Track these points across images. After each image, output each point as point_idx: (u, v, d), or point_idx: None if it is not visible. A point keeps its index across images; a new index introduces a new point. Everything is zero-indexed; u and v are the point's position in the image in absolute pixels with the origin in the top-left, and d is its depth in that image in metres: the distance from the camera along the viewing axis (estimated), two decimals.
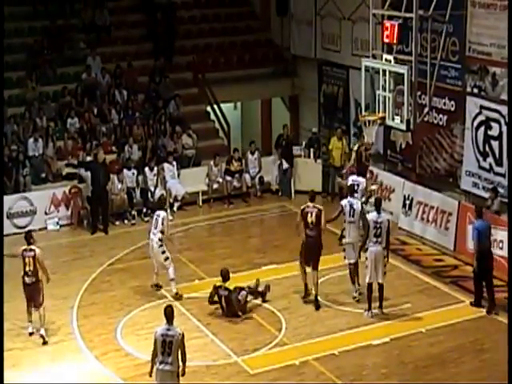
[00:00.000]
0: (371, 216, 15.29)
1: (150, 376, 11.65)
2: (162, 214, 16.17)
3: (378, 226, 15.07)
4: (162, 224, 15.98)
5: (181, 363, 11.45)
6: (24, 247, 14.81)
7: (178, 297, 16.04)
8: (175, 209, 21.20)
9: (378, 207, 15.41)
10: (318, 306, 15.79)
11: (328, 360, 13.83)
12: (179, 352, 11.39)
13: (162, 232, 16.03)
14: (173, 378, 11.43)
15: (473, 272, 15.81)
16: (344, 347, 14.24)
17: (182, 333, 11.44)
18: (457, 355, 14.01)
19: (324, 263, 16.94)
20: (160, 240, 16.00)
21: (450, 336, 14.64)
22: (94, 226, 20.05)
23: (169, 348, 11.29)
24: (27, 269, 14.65)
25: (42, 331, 14.71)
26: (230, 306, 15.32)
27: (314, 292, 15.79)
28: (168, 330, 11.39)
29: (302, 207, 15.90)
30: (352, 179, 17.93)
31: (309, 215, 15.72)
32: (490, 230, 15.81)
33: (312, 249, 15.76)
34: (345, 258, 16.06)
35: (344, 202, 16.15)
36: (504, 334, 14.05)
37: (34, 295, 14.68)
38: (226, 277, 15.46)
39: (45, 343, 14.60)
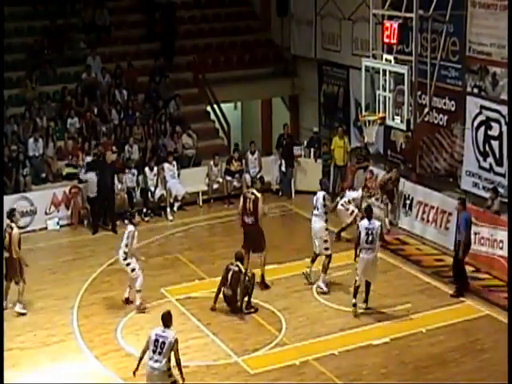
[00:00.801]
0: (362, 223, 15.32)
1: (134, 375, 11.81)
2: (129, 228, 15.80)
3: (370, 232, 15.06)
4: (127, 238, 15.60)
5: (177, 370, 11.60)
6: (7, 222, 15.65)
7: (141, 309, 15.69)
8: (175, 209, 21.20)
9: (368, 214, 15.37)
10: (266, 286, 16.46)
11: (328, 360, 13.84)
12: (172, 356, 11.51)
13: (127, 246, 15.66)
14: (160, 377, 11.50)
15: (458, 261, 16.15)
16: (344, 347, 14.25)
17: (177, 338, 11.58)
18: (457, 355, 14.02)
19: None
20: (125, 253, 15.64)
21: (450, 336, 14.64)
22: (94, 225, 20.04)
23: (160, 348, 11.47)
24: (4, 244, 15.41)
25: (17, 307, 15.26)
26: (235, 284, 15.28)
27: (260, 272, 16.37)
28: (163, 331, 11.59)
29: (244, 192, 16.75)
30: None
31: (247, 201, 16.27)
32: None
33: (250, 235, 16.40)
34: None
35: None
36: (504, 333, 14.06)
37: (8, 270, 15.47)
38: (240, 258, 15.56)
39: (23, 315, 15.32)
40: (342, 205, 18.89)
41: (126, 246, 15.66)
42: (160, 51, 24.99)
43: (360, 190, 19.29)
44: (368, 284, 15.46)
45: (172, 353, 11.51)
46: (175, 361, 11.58)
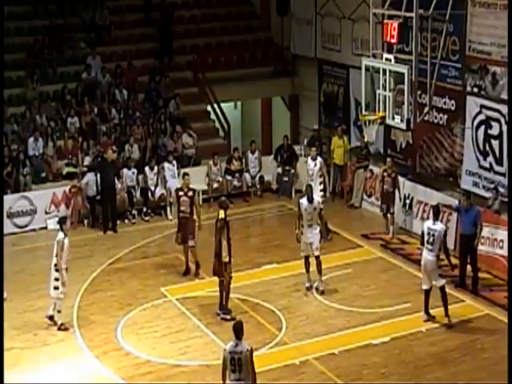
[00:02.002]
0: (426, 223, 15.10)
1: None
2: (58, 236, 14.97)
3: (432, 233, 14.72)
4: (56, 248, 14.80)
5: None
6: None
7: (62, 328, 14.98)
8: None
9: (435, 215, 15.05)
10: (197, 274, 17.11)
11: (328, 359, 13.83)
12: (249, 369, 10.91)
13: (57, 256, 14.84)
14: None
15: (465, 253, 16.38)
16: (344, 346, 14.24)
17: (251, 348, 10.94)
18: (457, 354, 14.01)
19: (323, 263, 16.98)
20: (55, 265, 14.86)
21: (450, 335, 14.64)
22: (105, 224, 20.15)
23: (238, 365, 10.84)
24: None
25: None
26: (218, 232, 15.30)
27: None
28: (235, 346, 10.90)
29: (179, 187, 17.45)
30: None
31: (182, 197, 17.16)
32: None
33: (183, 227, 17.13)
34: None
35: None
36: (504, 333, 14.07)
37: None
38: (223, 207, 15.40)
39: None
40: None
41: (56, 256, 14.81)
42: (158, 51, 24.96)
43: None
44: (441, 289, 14.91)
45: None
46: (250, 372, 10.93)
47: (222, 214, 15.28)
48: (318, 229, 16.22)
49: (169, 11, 25.48)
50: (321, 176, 19.46)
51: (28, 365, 13.94)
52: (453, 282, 16.54)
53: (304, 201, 16.12)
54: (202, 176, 21.93)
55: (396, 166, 20.07)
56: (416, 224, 19.29)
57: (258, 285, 16.76)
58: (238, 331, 10.95)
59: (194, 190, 17.41)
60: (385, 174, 19.21)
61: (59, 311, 15.10)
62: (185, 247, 17.25)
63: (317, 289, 16.32)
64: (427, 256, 14.82)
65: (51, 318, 15.16)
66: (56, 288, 14.89)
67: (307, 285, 16.44)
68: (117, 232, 19.80)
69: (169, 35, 25.12)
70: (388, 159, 19.57)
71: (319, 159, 19.55)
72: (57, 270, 14.83)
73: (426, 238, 14.83)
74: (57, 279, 14.85)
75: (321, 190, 19.20)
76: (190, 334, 14.82)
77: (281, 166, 22.43)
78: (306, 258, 16.30)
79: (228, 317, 15.16)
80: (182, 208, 17.25)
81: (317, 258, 16.20)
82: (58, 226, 19.96)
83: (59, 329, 15.05)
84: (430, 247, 14.78)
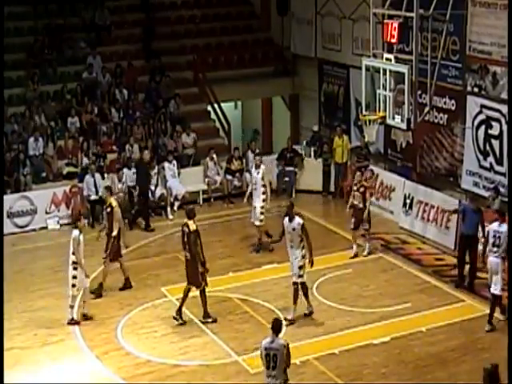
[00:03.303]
0: (492, 225, 14.93)
1: None
2: (73, 233, 15.15)
3: (498, 235, 14.55)
4: (73, 245, 14.97)
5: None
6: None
7: (73, 323, 15.15)
8: (175, 208, 21.19)
9: (502, 216, 14.82)
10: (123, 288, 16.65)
11: (328, 359, 13.83)
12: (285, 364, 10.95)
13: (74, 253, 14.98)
14: None
15: (464, 253, 16.41)
16: (344, 346, 14.24)
17: (287, 343, 10.99)
18: (457, 354, 14.01)
19: (323, 263, 17.01)
20: (74, 263, 14.97)
21: (450, 335, 14.63)
22: (134, 220, 20.42)
23: (273, 361, 10.88)
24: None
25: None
26: (192, 245, 14.84)
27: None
28: (271, 342, 10.94)
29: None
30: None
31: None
32: None
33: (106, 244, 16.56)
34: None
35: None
36: (504, 333, 14.05)
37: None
38: (190, 216, 15.03)
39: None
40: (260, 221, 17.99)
41: (73, 253, 14.97)
42: (142, 51, 24.92)
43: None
44: (493, 295, 14.65)
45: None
46: (285, 367, 10.96)
47: (192, 226, 14.86)
48: (300, 252, 14.84)
49: (153, 12, 25.56)
50: (263, 185, 18.30)
51: (28, 365, 13.94)
52: (452, 281, 16.57)
53: (286, 220, 15.01)
54: (201, 176, 21.94)
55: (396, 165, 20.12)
56: (416, 224, 19.30)
57: (257, 285, 16.76)
58: (276, 327, 11.06)
59: (111, 206, 16.20)
60: (354, 187, 18.20)
61: (72, 306, 15.17)
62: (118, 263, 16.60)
63: (285, 318, 14.90)
64: (493, 259, 14.66)
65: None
66: (73, 285, 15.01)
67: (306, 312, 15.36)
68: (153, 230, 20.08)
69: (152, 36, 25.00)
70: (358, 173, 18.47)
71: (262, 167, 18.39)
72: (75, 268, 14.93)
73: (491, 240, 14.69)
74: (74, 277, 14.95)
75: (263, 200, 18.24)
76: (189, 334, 14.81)
77: (282, 166, 22.39)
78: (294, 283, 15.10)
79: (210, 319, 15.11)
80: (105, 223, 16.69)
81: (293, 284, 14.98)
82: (58, 226, 20.25)
83: (69, 323, 15.13)
84: (495, 249, 14.62)
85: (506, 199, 17.44)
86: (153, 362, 13.93)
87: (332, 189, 22.22)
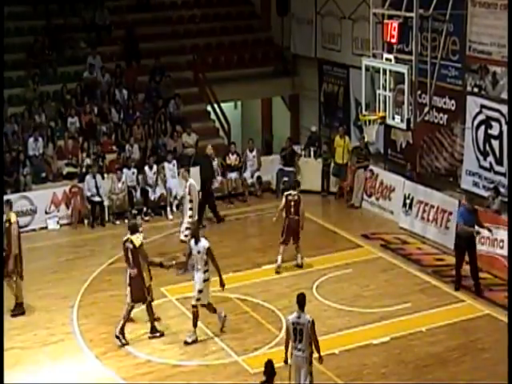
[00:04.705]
0: None
1: (286, 363, 11.90)
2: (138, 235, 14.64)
3: None
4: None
5: (314, 349, 11.81)
6: None
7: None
8: (175, 208, 21.19)
9: None
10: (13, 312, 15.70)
11: (328, 359, 13.75)
12: (311, 339, 11.70)
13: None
14: (306, 363, 11.80)
15: (463, 254, 16.30)
16: (344, 346, 14.25)
17: (312, 320, 11.71)
18: (457, 354, 14.01)
19: (323, 263, 17.01)
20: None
21: (450, 335, 14.64)
22: (216, 215, 20.54)
23: (300, 335, 11.65)
24: None
25: None
26: (137, 261, 14.27)
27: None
28: (298, 317, 11.71)
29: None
30: None
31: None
32: None
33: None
34: None
35: None
36: (504, 333, 14.05)
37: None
38: (133, 230, 14.44)
39: None
40: (185, 236, 17.30)
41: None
42: (123, 54, 24.78)
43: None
44: None
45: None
46: (312, 343, 11.72)
47: (137, 241, 14.29)
48: (202, 275, 14.28)
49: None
50: (190, 201, 17.39)
51: (28, 365, 13.94)
52: (452, 282, 16.56)
53: (192, 242, 14.52)
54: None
55: (396, 165, 20.15)
56: (416, 224, 19.30)
57: (257, 285, 16.76)
58: (302, 302, 11.78)
59: (9, 222, 15.14)
60: (290, 203, 17.27)
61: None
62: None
63: (185, 342, 14.46)
64: None
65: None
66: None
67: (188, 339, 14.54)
68: (221, 221, 20.35)
69: (133, 38, 24.94)
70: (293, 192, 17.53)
71: (190, 181, 17.55)
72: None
73: None
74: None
75: (190, 216, 17.30)
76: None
77: (282, 165, 22.38)
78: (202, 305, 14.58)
79: (158, 334, 14.67)
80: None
81: (193, 307, 14.46)
82: (58, 226, 20.25)
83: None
84: None
85: (506, 199, 17.49)
86: (153, 362, 13.93)
87: (332, 189, 22.18)
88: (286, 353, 11.91)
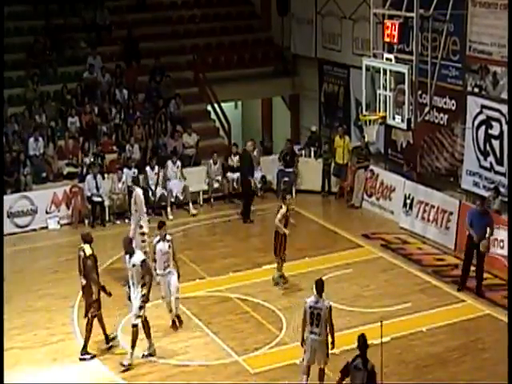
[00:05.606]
0: None
1: (302, 346, 12.39)
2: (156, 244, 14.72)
3: None
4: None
5: (329, 336, 12.23)
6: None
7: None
8: (175, 208, 21.19)
9: None
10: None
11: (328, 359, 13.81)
12: (327, 323, 12.09)
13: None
14: (321, 346, 12.24)
15: (471, 256, 16.28)
16: (344, 346, 14.20)
17: (330, 305, 12.12)
18: (457, 354, 14.01)
19: (323, 263, 17.00)
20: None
21: (451, 335, 14.64)
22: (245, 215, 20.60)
23: (317, 319, 12.05)
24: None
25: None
26: (87, 271, 14.02)
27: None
28: (316, 302, 12.10)
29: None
30: None
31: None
32: None
33: None
34: None
35: None
36: (504, 333, 14.04)
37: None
38: (87, 241, 14.20)
39: None
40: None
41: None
42: (123, 54, 24.79)
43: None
44: None
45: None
46: (328, 325, 12.09)
47: (88, 250, 14.06)
48: (139, 290, 13.69)
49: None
50: (136, 211, 16.71)
51: (28, 364, 13.94)
52: (453, 282, 16.56)
53: (126, 256, 13.87)
54: (202, 176, 21.94)
55: (396, 165, 20.14)
56: (417, 224, 19.30)
57: (257, 285, 16.75)
58: (320, 287, 12.20)
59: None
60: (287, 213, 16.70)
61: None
62: None
63: (122, 364, 13.82)
64: None
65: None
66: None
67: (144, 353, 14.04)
68: (248, 221, 20.43)
69: (133, 38, 24.93)
70: (288, 196, 17.36)
71: (137, 190, 17.02)
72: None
73: None
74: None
75: (141, 234, 16.59)
76: (189, 334, 14.81)
77: (282, 167, 22.37)
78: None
79: (88, 356, 14.02)
80: None
81: (132, 326, 13.76)
82: (58, 226, 20.25)
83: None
84: None
85: (506, 199, 17.48)
86: (153, 362, 13.93)
87: (333, 189, 22.17)
88: (303, 335, 12.28)
